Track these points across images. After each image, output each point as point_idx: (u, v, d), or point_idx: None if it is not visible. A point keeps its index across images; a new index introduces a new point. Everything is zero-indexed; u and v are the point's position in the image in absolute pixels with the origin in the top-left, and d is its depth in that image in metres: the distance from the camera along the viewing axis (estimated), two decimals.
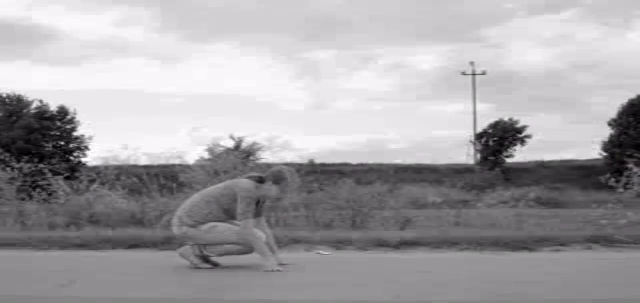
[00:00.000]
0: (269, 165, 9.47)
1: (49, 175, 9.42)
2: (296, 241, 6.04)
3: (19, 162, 9.50)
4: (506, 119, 39.40)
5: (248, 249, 4.52)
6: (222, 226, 4.54)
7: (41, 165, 9.75)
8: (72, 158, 33.28)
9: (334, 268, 4.72)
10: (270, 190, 4.61)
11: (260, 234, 4.54)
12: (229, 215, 4.58)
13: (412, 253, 5.65)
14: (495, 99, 59.56)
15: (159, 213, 8.45)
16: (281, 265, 4.51)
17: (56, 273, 4.38)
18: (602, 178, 8.75)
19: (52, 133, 34.13)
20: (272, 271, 4.36)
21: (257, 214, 4.65)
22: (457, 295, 3.63)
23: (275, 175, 4.63)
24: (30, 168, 9.49)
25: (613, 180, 8.52)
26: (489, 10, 57.18)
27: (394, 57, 59.20)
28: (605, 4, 57.46)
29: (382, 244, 5.88)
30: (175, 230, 4.68)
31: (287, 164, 5.87)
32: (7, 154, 9.80)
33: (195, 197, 4.77)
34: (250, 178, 4.68)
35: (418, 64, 59.04)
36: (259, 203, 4.65)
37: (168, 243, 5.98)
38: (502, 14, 57.66)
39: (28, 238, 6.45)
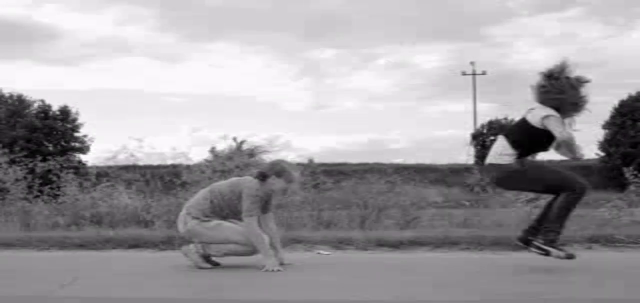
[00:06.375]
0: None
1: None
2: (296, 240, 6.04)
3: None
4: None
5: (252, 250, 4.51)
6: (227, 224, 4.55)
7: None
8: (72, 157, 33.31)
9: (334, 268, 4.72)
10: (275, 183, 4.61)
11: (264, 237, 4.54)
12: (234, 213, 4.58)
13: (412, 253, 5.65)
14: (496, 98, 59.62)
15: (162, 212, 8.43)
16: (281, 264, 4.52)
17: (56, 273, 4.38)
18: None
19: (54, 132, 34.18)
20: (273, 271, 4.36)
21: (265, 210, 4.69)
22: (457, 295, 3.63)
23: (275, 168, 4.66)
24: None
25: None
26: (490, 9, 57.26)
27: (395, 56, 59.28)
28: (608, 3, 57.50)
29: (382, 244, 5.87)
30: (180, 227, 4.69)
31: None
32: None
33: (201, 192, 4.79)
34: (253, 176, 4.70)
35: (419, 64, 59.12)
36: (266, 199, 4.66)
37: (169, 243, 5.98)
38: (503, 12, 57.77)
39: (28, 238, 6.45)
